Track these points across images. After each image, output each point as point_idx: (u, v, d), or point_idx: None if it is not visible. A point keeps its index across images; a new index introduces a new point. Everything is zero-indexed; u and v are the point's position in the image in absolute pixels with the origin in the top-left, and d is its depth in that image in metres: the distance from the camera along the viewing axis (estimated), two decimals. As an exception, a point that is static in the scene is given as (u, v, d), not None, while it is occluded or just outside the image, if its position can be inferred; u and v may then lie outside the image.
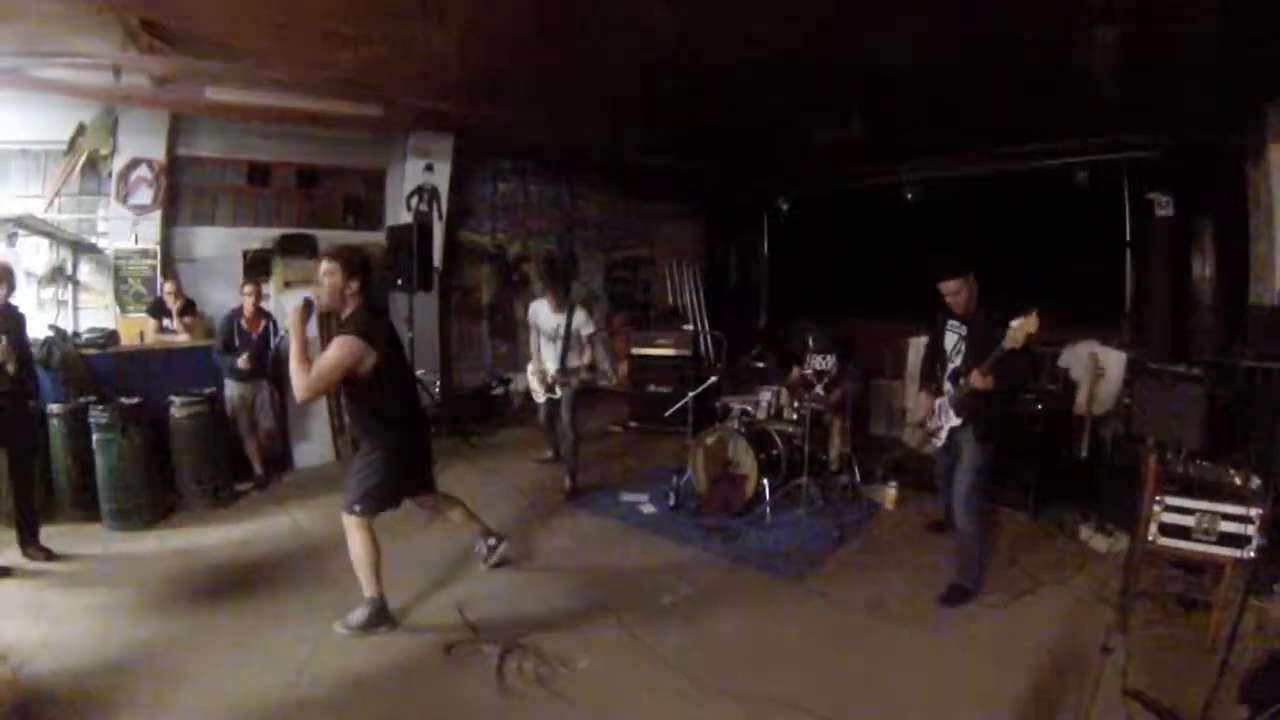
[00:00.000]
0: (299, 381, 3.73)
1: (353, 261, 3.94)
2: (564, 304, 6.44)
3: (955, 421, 4.50)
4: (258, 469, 6.66)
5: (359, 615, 3.98)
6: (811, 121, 7.41)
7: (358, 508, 3.94)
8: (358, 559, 3.98)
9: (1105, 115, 7.19)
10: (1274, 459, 4.66)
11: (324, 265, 3.94)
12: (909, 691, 3.52)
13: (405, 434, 4.11)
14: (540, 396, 6.61)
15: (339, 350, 3.73)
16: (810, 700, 3.38)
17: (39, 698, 3.35)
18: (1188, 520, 3.72)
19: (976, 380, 4.19)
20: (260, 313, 6.67)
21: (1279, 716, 2.54)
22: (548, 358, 6.54)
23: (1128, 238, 8.14)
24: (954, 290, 4.47)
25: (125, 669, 3.61)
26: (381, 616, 4.02)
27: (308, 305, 3.95)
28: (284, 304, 7.30)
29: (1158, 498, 3.79)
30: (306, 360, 3.75)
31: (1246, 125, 6.15)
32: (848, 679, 3.62)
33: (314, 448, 7.42)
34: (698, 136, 8.81)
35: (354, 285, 3.90)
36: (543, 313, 6.59)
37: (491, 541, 4.79)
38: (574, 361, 6.38)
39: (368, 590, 4.00)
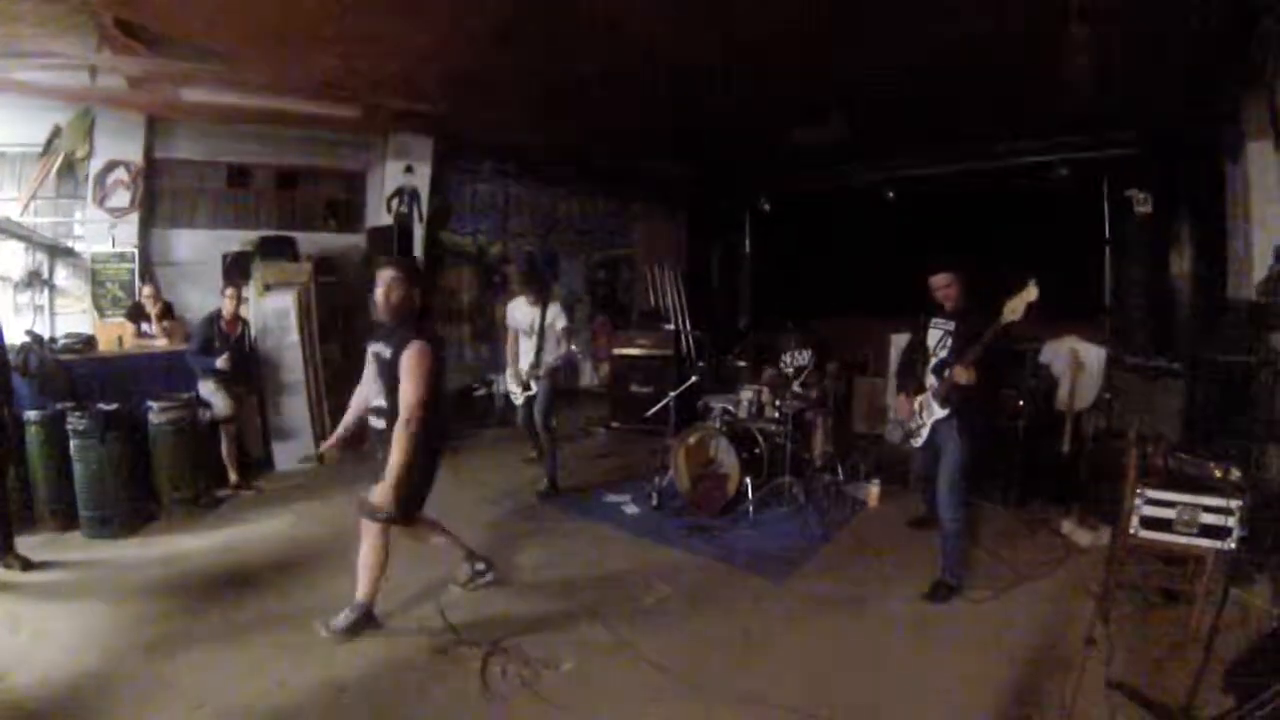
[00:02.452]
0: (413, 400, 3.66)
1: (415, 271, 4.01)
2: (539, 299, 6.43)
3: (940, 414, 4.51)
4: (233, 475, 6.59)
5: (345, 618, 3.92)
6: (792, 119, 7.42)
7: (381, 516, 3.84)
8: (368, 562, 3.95)
9: (1085, 114, 7.25)
10: (1252, 452, 4.71)
11: (388, 273, 3.86)
12: (893, 687, 3.52)
13: (438, 442, 4.08)
14: (519, 398, 6.58)
15: (423, 359, 3.70)
16: (795, 698, 3.38)
17: (17, 710, 3.29)
18: (1169, 513, 3.74)
19: (960, 375, 4.20)
20: (238, 317, 6.60)
21: (1263, 705, 2.55)
22: (524, 352, 6.52)
23: (1107, 235, 8.22)
24: (945, 284, 4.51)
25: (105, 679, 3.55)
26: (367, 620, 3.98)
27: None
28: (264, 306, 7.25)
29: (1139, 491, 3.81)
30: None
31: (1224, 123, 6.20)
32: (833, 676, 3.62)
33: (296, 451, 7.36)
34: (678, 136, 8.82)
35: (416, 293, 3.90)
36: (519, 309, 6.59)
37: (479, 566, 4.61)
38: (549, 355, 6.37)
39: (362, 593, 3.96)
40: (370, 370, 4.07)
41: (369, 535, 3.93)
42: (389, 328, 3.89)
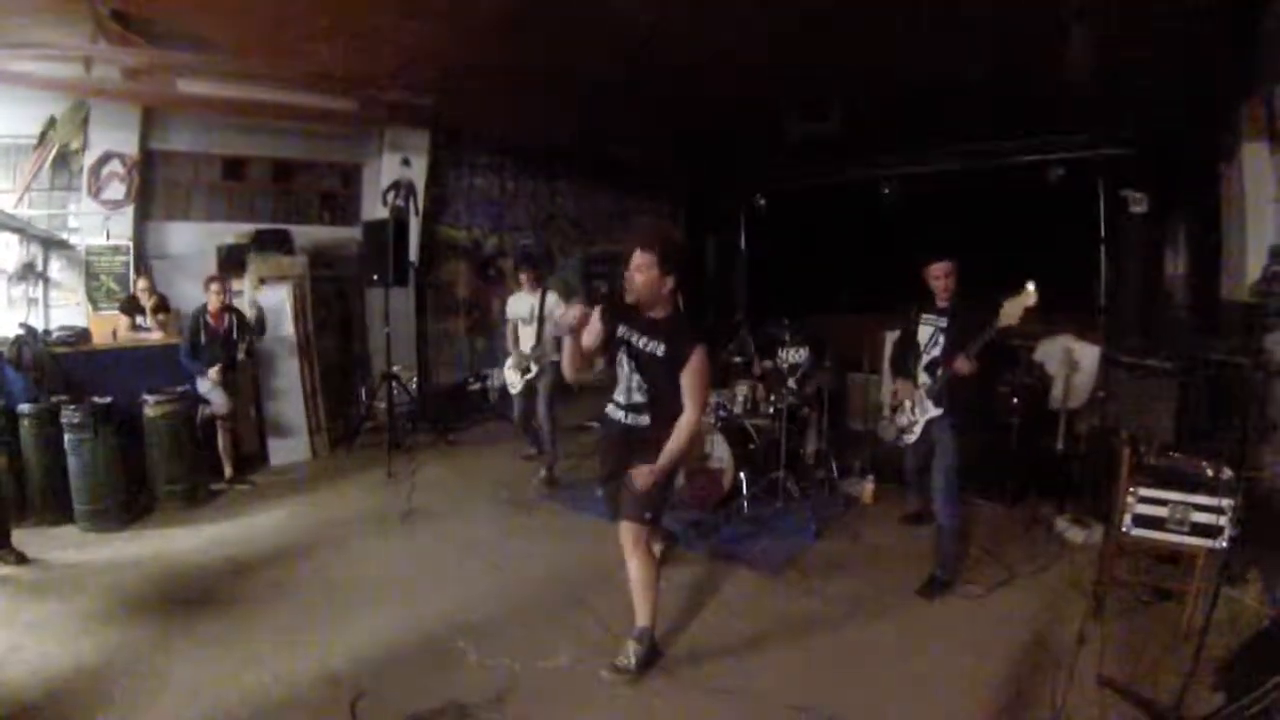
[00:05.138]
0: (700, 406, 3.41)
1: (670, 254, 3.36)
2: (538, 285, 6.54)
3: (934, 412, 4.53)
4: (228, 469, 6.59)
5: (634, 652, 3.53)
6: (790, 112, 7.42)
7: (649, 515, 3.58)
8: (644, 580, 3.59)
9: (1081, 113, 7.27)
10: (1245, 451, 4.73)
11: (637, 258, 3.35)
12: (887, 682, 3.54)
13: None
14: (516, 387, 6.60)
15: (704, 362, 3.36)
16: (788, 692, 3.40)
17: (12, 704, 3.29)
18: (1161, 511, 3.76)
19: (961, 365, 4.20)
20: (225, 308, 6.51)
21: (1254, 703, 2.57)
22: (524, 339, 6.59)
23: (1102, 234, 8.24)
24: (946, 272, 4.50)
25: (99, 673, 3.56)
26: (653, 650, 3.64)
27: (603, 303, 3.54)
28: (259, 300, 7.23)
29: (1131, 489, 3.83)
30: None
31: (1220, 124, 6.21)
32: (825, 671, 3.64)
33: (290, 445, 7.36)
34: (676, 131, 8.82)
35: (670, 282, 3.38)
36: (518, 300, 6.69)
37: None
38: (550, 338, 6.39)
39: (643, 618, 3.60)
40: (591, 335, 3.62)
41: (637, 550, 3.56)
42: (652, 319, 3.48)
